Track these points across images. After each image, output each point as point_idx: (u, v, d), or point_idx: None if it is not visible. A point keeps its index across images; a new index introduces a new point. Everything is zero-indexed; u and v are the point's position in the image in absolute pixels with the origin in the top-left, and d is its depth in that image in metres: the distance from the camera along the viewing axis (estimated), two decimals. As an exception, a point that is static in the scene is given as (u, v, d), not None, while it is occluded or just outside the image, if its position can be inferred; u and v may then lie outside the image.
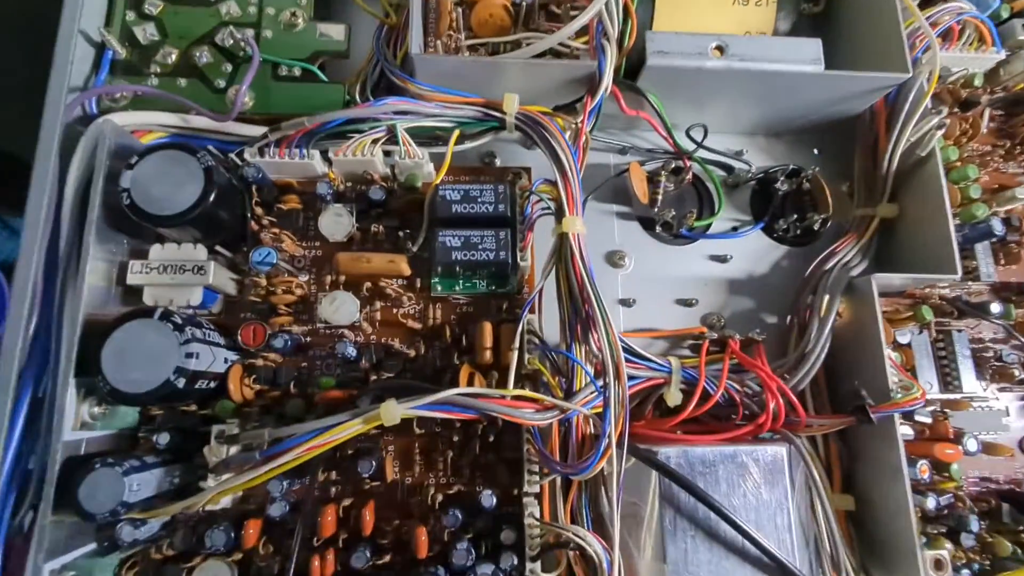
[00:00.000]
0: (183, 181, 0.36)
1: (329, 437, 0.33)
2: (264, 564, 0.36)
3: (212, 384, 0.37)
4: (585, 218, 0.39)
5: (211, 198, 0.36)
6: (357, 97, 0.45)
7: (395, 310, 0.41)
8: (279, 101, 0.44)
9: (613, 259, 0.50)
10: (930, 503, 0.42)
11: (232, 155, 0.40)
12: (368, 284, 0.41)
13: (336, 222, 0.41)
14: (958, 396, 0.46)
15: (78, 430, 0.35)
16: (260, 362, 0.39)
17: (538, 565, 0.36)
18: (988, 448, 0.45)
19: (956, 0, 0.49)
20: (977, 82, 0.51)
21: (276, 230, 0.41)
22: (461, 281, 0.42)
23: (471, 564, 0.35)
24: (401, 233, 0.42)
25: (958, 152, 0.49)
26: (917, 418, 0.44)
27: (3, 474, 0.34)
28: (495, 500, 0.37)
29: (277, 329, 0.40)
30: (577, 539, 0.36)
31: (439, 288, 0.42)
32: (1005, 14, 0.53)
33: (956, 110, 0.51)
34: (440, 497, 0.38)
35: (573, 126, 0.43)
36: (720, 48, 0.43)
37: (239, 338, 0.39)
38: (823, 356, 0.43)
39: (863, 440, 0.44)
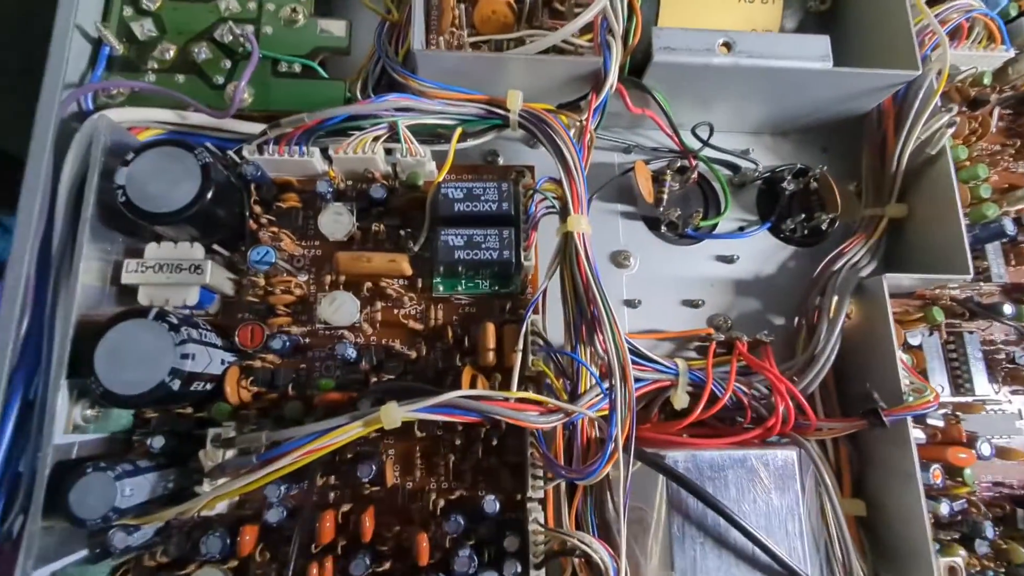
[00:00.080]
0: (180, 178, 0.36)
1: (328, 440, 0.32)
2: (261, 572, 0.35)
3: (208, 386, 0.37)
4: (590, 218, 0.38)
5: (208, 196, 0.36)
6: (358, 94, 0.44)
7: (396, 311, 0.41)
8: (279, 98, 0.44)
9: (618, 259, 0.50)
10: (943, 509, 0.41)
11: (230, 152, 0.40)
12: (368, 284, 0.41)
13: (336, 221, 0.40)
14: (970, 399, 0.46)
15: (70, 433, 0.34)
16: (258, 364, 0.39)
17: (542, 573, 0.36)
18: (1002, 452, 0.45)
19: (965, -3, 0.49)
20: (986, 81, 0.50)
21: (275, 229, 0.40)
22: (464, 281, 0.41)
23: (473, 572, 0.35)
24: (402, 232, 0.41)
25: (967, 151, 0.48)
26: (929, 421, 0.44)
27: (-8, 478, 0.33)
28: (498, 505, 0.36)
29: (275, 330, 0.39)
30: (582, 546, 0.35)
31: (441, 288, 0.41)
32: (1014, 12, 0.53)
33: (964, 109, 0.50)
34: (442, 502, 0.38)
35: (577, 123, 0.42)
36: (727, 44, 0.43)
37: (236, 339, 0.39)
38: (833, 358, 0.42)
39: (874, 444, 0.44)
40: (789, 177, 0.50)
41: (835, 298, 0.44)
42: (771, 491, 0.38)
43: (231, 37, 0.43)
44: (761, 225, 0.51)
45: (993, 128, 0.50)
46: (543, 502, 0.38)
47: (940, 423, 0.44)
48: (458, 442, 0.39)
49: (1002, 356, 0.47)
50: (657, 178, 0.49)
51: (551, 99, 0.43)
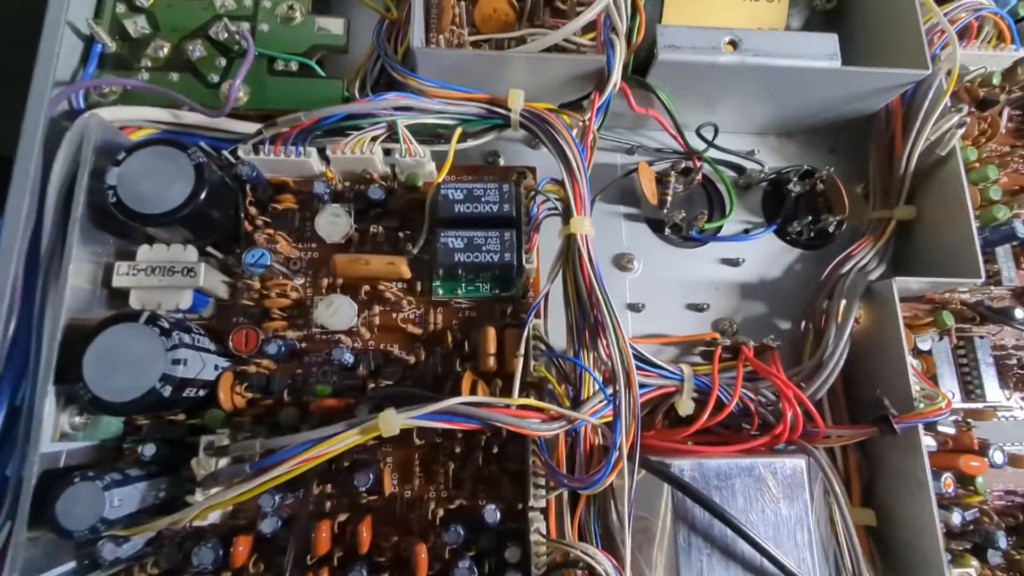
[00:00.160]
0: (172, 178, 0.35)
1: (324, 448, 0.31)
2: (254, 583, 0.34)
3: (201, 392, 0.36)
4: (592, 220, 0.37)
5: (202, 196, 0.35)
6: (356, 93, 0.44)
7: (394, 315, 0.40)
8: (275, 97, 0.43)
9: (621, 262, 0.49)
10: (955, 518, 0.40)
11: (225, 152, 0.40)
12: (366, 287, 0.40)
13: (333, 223, 0.40)
14: (980, 405, 0.45)
15: (57, 441, 0.33)
16: (252, 369, 0.38)
17: (545, 584, 0.35)
18: (1015, 460, 0.44)
19: (974, -4, 0.48)
20: (995, 81, 0.49)
21: (270, 231, 0.40)
22: (464, 284, 0.40)
23: (474, 583, 0.34)
24: (401, 234, 0.40)
25: (977, 152, 0.48)
26: (940, 428, 0.43)
27: (-24, 488, 0.32)
28: (499, 515, 0.36)
29: (271, 334, 0.39)
30: (586, 557, 0.34)
31: (441, 292, 0.40)
32: (1023, 12, 0.52)
33: (973, 109, 0.49)
34: (441, 512, 0.37)
35: (580, 123, 0.42)
36: (733, 43, 0.42)
37: (230, 344, 0.38)
38: (841, 363, 0.42)
39: (884, 452, 0.43)
40: (795, 179, 0.49)
41: (843, 302, 0.43)
42: (779, 500, 0.37)
43: (226, 34, 0.43)
44: (767, 227, 0.50)
45: (1003, 129, 0.49)
46: (545, 512, 0.37)
47: (951, 430, 0.43)
48: (458, 450, 0.38)
49: (1013, 361, 0.46)
50: (661, 179, 0.49)
51: (553, 99, 0.43)
